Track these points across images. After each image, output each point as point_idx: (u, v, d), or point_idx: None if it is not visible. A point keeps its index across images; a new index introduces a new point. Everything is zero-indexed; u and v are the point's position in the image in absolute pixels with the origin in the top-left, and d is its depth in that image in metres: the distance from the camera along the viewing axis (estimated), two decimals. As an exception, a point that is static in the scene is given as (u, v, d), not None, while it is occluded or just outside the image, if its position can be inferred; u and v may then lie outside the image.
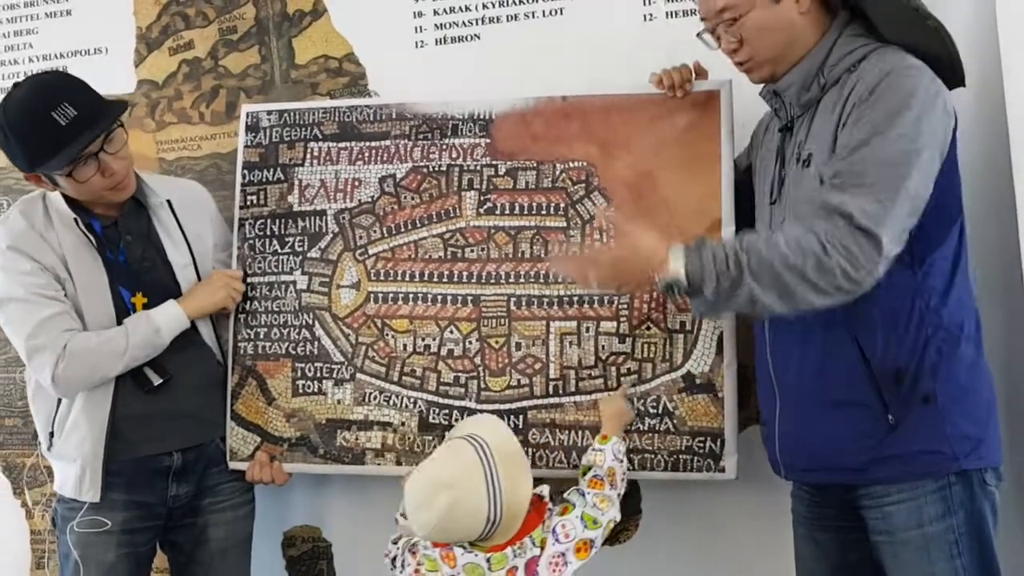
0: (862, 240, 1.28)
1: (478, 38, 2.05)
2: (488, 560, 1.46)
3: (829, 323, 1.39)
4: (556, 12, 2.00)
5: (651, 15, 1.95)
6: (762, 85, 1.56)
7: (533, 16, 2.01)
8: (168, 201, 1.84)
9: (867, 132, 1.32)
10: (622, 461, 1.59)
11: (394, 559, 1.64)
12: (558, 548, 1.49)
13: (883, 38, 1.42)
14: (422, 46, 2.07)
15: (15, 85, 1.67)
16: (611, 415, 1.66)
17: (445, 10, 2.06)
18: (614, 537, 1.93)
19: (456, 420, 1.77)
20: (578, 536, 1.50)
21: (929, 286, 1.38)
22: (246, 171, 1.93)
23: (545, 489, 1.57)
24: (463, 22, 2.05)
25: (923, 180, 1.32)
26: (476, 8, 2.05)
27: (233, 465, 1.87)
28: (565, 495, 1.56)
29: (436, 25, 2.07)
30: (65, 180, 1.67)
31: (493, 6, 2.04)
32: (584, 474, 1.59)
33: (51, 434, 1.77)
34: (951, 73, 1.42)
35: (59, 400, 1.75)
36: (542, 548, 1.49)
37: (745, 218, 1.66)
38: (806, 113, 1.48)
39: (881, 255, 1.29)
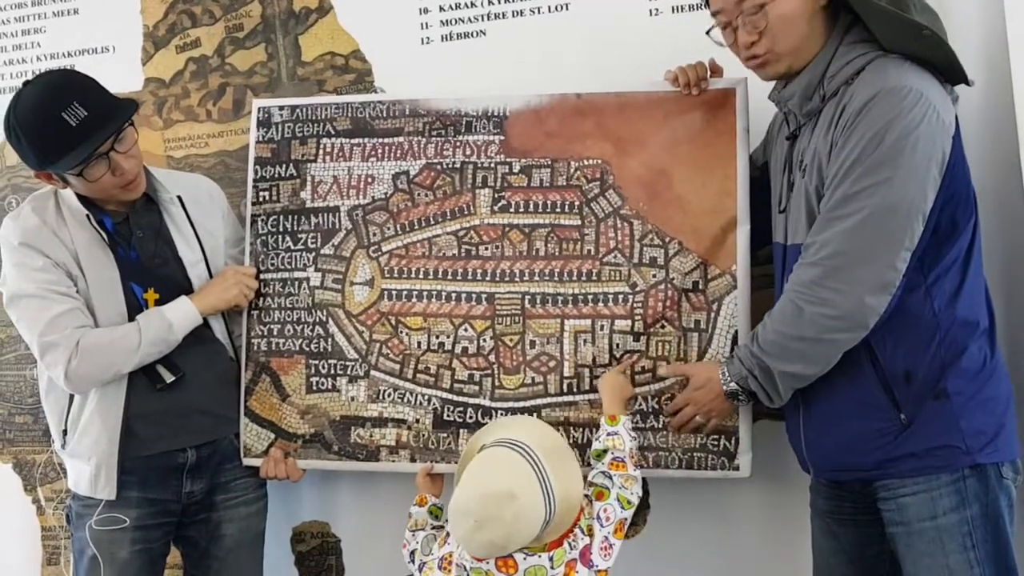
0: (833, 283, 1.36)
1: (484, 34, 2.05)
2: (551, 558, 1.47)
3: None
4: (562, 7, 2.00)
5: (657, 9, 1.95)
6: (771, 91, 1.58)
7: (538, 12, 2.01)
8: (179, 197, 1.84)
9: (845, 168, 1.36)
10: (635, 438, 1.62)
11: (412, 553, 1.63)
12: (604, 532, 1.51)
13: (882, 45, 1.42)
14: (428, 42, 2.07)
15: (25, 83, 1.66)
16: (611, 392, 1.65)
17: (451, 6, 2.06)
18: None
19: (470, 418, 1.78)
20: (617, 517, 1.52)
21: (940, 287, 1.39)
22: (258, 167, 1.93)
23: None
24: (469, 18, 2.05)
25: (895, 203, 1.33)
26: (481, 4, 2.05)
27: (247, 461, 1.87)
28: (590, 479, 1.57)
29: (442, 21, 2.07)
30: (75, 178, 1.67)
31: (499, 2, 2.03)
32: (599, 457, 1.58)
33: (64, 432, 1.77)
34: (950, 75, 1.42)
35: (71, 399, 1.75)
36: (590, 536, 1.50)
37: (763, 216, 1.67)
38: (810, 122, 1.49)
39: (863, 283, 1.35)
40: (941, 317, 1.39)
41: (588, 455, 1.61)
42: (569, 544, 1.48)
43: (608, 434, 1.59)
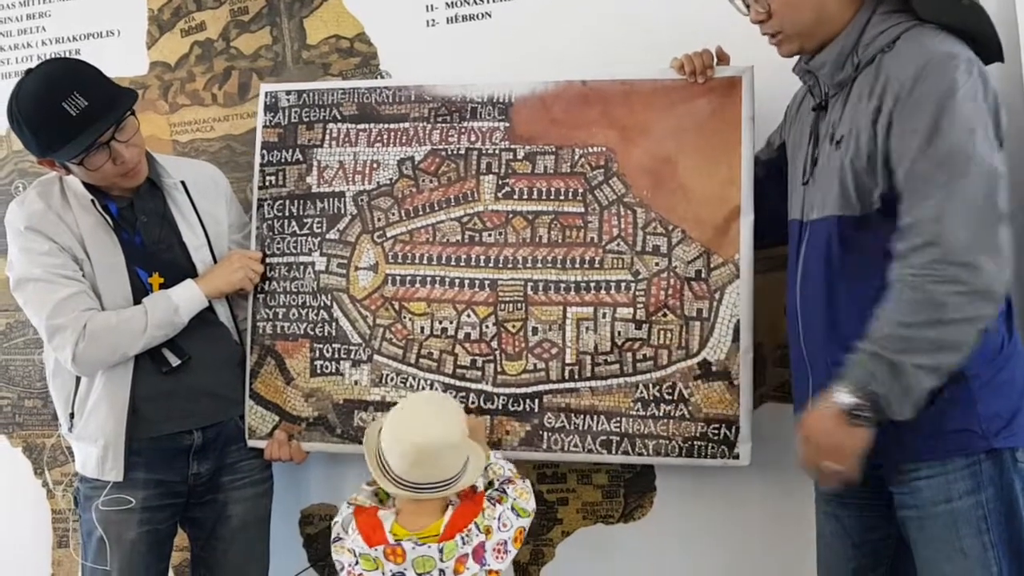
0: (956, 258, 1.28)
1: (489, 16, 2.04)
2: (440, 550, 1.50)
3: (862, 310, 1.39)
4: (568, -13, 1.98)
5: (666, -12, 1.93)
6: (793, 64, 1.56)
7: (544, -8, 1.99)
8: (183, 182, 1.86)
9: (919, 140, 1.31)
10: (507, 464, 1.68)
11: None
12: (502, 536, 1.54)
13: (917, 14, 1.40)
14: (433, 24, 2.07)
15: (27, 72, 1.67)
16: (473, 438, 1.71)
17: (456, -12, 2.05)
18: (628, 514, 1.97)
19: (472, 403, 1.80)
20: (514, 525, 1.56)
21: None
22: (264, 151, 1.93)
23: (480, 479, 1.62)
24: (474, 0, 2.04)
25: (984, 166, 1.29)
26: (487, -14, 2.03)
27: (252, 443, 1.89)
28: (489, 493, 1.62)
29: (447, 3, 2.06)
30: (77, 167, 1.68)
31: (504, -16, 2.02)
32: (489, 487, 1.64)
33: (71, 415, 1.79)
34: (988, 49, 1.40)
35: (77, 382, 1.77)
36: (487, 535, 1.53)
37: (773, 200, 1.65)
38: (840, 92, 1.46)
39: (983, 252, 1.28)
40: None
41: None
42: (462, 538, 1.51)
43: (486, 469, 1.65)
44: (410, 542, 1.50)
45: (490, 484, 1.64)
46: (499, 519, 1.55)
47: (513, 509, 1.57)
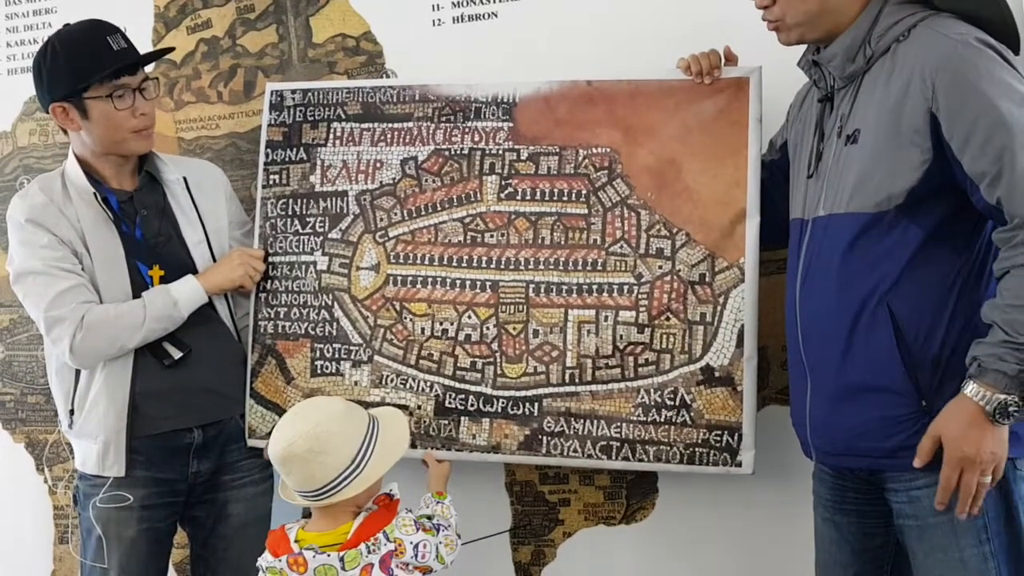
0: None
1: (495, 15, 2.02)
2: (342, 559, 1.47)
3: (865, 306, 1.37)
4: (576, -13, 1.96)
5: (675, -11, 1.90)
6: (799, 58, 1.53)
7: (551, -8, 1.98)
8: (184, 178, 1.86)
9: (981, 132, 1.26)
10: (452, 513, 1.65)
11: None
12: (412, 562, 1.51)
13: (932, 4, 1.37)
14: (439, 24, 2.05)
15: (65, 25, 1.79)
16: (438, 478, 1.71)
17: (462, -13, 2.04)
18: (630, 515, 1.95)
19: (472, 405, 1.79)
20: (428, 563, 1.53)
21: (970, 264, 1.35)
22: (269, 150, 1.93)
23: (395, 487, 1.59)
24: (480, 0, 2.02)
25: None
26: (493, -15, 2.02)
27: (252, 443, 1.88)
28: (425, 515, 1.61)
29: (453, 3, 2.04)
30: (99, 109, 1.71)
31: (511, -17, 2.00)
32: (427, 520, 1.61)
33: (71, 412, 1.79)
34: (1007, 40, 1.36)
35: (76, 379, 1.77)
36: (397, 547, 1.50)
37: (775, 202, 1.63)
38: (849, 85, 1.43)
39: None
40: (970, 297, 1.34)
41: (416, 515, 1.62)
42: (367, 547, 1.48)
43: (437, 503, 1.65)
44: (311, 551, 1.48)
45: (429, 518, 1.61)
46: (417, 544, 1.52)
47: (437, 551, 1.54)
